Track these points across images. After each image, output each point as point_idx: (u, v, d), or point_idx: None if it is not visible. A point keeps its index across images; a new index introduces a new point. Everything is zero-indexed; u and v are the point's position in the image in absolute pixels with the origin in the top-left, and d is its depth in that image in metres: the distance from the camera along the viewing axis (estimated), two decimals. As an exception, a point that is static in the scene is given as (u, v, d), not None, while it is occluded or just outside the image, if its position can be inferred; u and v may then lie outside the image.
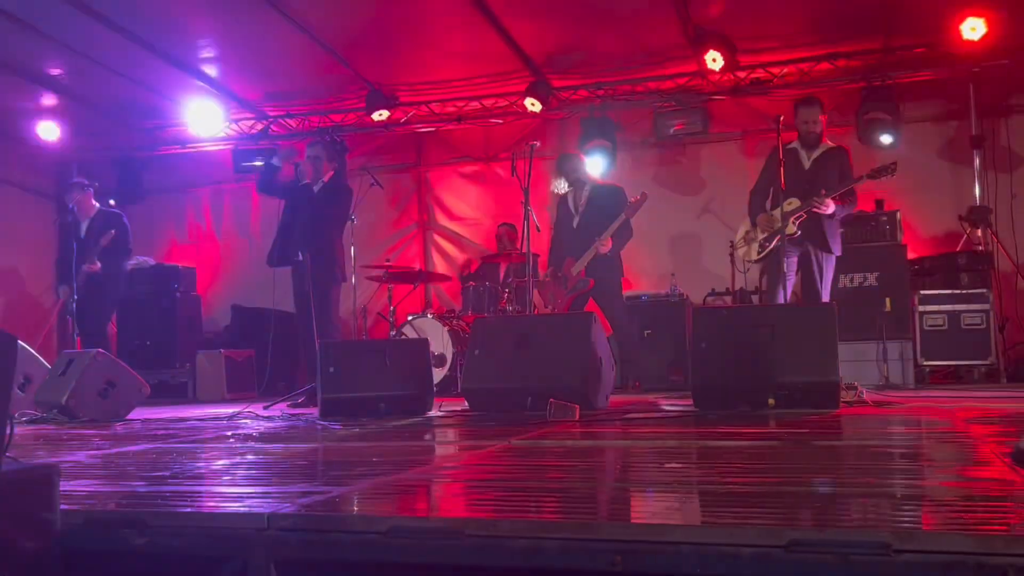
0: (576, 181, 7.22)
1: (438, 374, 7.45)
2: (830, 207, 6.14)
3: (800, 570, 1.62)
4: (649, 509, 2.16)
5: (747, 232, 6.62)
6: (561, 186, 7.38)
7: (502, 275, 8.65)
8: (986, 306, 7.28)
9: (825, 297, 6.28)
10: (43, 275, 9.43)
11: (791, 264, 6.23)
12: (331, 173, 7.20)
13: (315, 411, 5.49)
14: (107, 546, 2.09)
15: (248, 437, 4.18)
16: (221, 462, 3.24)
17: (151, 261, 9.45)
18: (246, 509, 2.13)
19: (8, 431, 1.93)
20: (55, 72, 8.72)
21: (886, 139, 7.95)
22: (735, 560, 1.66)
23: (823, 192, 6.11)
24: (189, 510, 2.22)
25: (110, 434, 4.59)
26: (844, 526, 1.82)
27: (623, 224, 6.95)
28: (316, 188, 7.09)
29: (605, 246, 6.92)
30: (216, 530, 2.02)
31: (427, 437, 4.06)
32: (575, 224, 7.16)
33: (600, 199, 7.14)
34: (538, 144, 6.75)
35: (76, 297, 7.36)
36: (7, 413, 1.92)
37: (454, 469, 2.85)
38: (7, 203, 9.92)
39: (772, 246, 6.32)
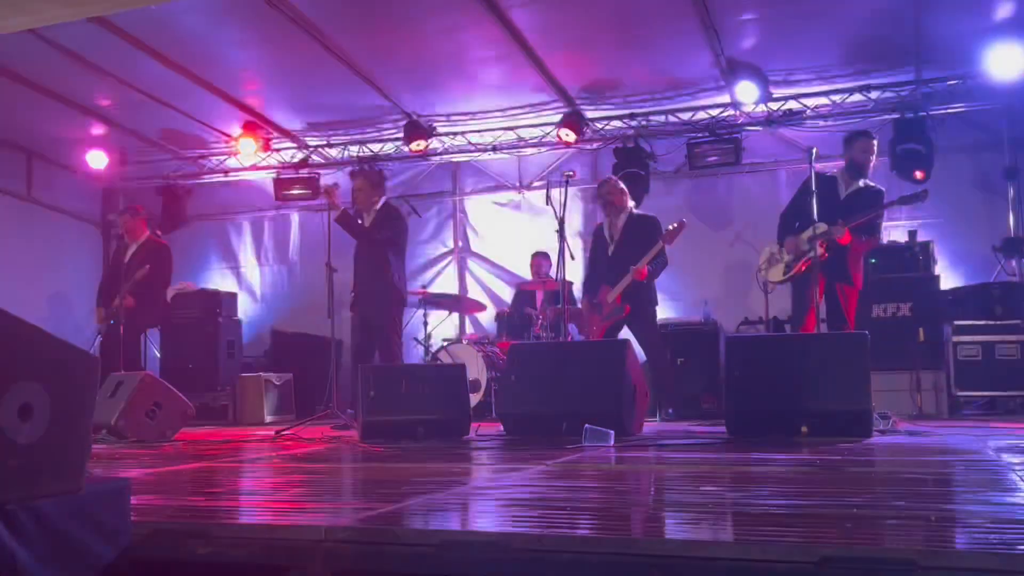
0: (611, 208, 7.29)
1: (473, 399, 7.55)
2: (846, 238, 6.16)
3: (831, 585, 1.71)
4: (684, 527, 2.25)
5: (772, 254, 6.66)
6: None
7: (538, 303, 8.76)
8: (1021, 337, 7.26)
9: (850, 327, 6.31)
10: (87, 300, 9.68)
11: (818, 290, 6.24)
12: (380, 201, 7.38)
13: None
14: (172, 556, 2.22)
15: (294, 457, 4.31)
16: (273, 479, 3.37)
17: (194, 286, 9.68)
18: (304, 522, 2.26)
19: (89, 447, 2.08)
20: (104, 103, 9.03)
21: (919, 175, 7.97)
22: (768, 575, 1.76)
23: (841, 223, 6.13)
24: (250, 522, 2.35)
25: (159, 454, 4.75)
26: (873, 544, 1.90)
27: (659, 252, 7.03)
28: (369, 219, 7.31)
29: (641, 273, 6.99)
30: (276, 541, 2.14)
31: (466, 459, 4.17)
32: (610, 252, 7.24)
33: (636, 228, 7.21)
34: (573, 174, 6.87)
35: (113, 323, 7.58)
36: (89, 429, 2.07)
37: (496, 489, 2.96)
38: (56, 229, 10.23)
39: (796, 269, 6.36)
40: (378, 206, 7.34)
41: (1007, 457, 3.54)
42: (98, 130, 9.53)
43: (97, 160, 9.79)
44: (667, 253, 7.15)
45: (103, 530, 2.05)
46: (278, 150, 10.09)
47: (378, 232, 7.17)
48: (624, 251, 7.12)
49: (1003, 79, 7.55)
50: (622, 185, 7.41)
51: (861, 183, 6.45)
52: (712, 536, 2.10)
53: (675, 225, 6.99)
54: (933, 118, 8.17)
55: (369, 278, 7.17)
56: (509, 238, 10.06)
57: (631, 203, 7.39)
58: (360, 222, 7.25)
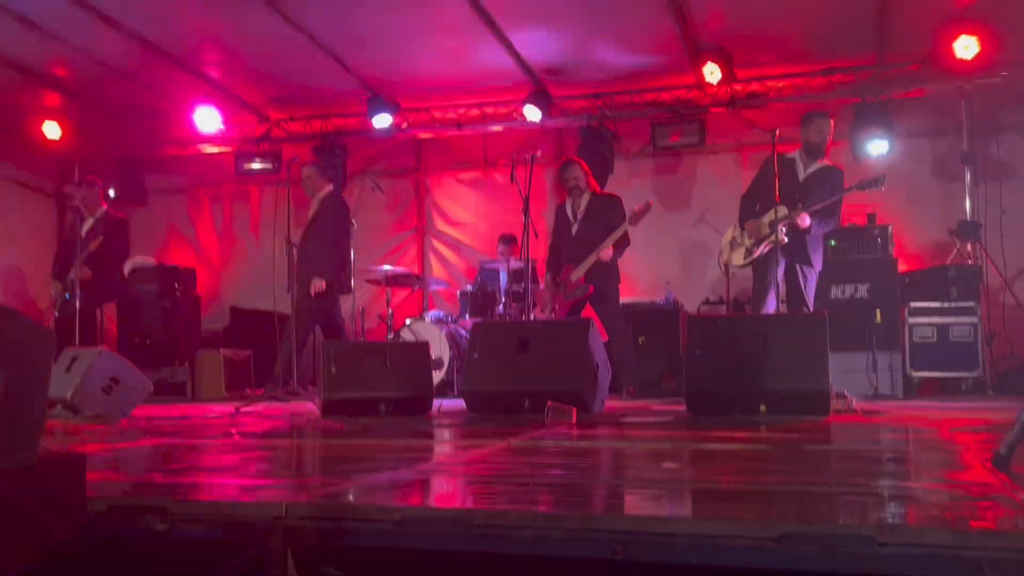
0: (575, 189, 7.31)
1: (435, 377, 7.53)
2: (805, 221, 6.24)
3: (790, 561, 1.73)
4: (647, 503, 2.27)
5: (734, 237, 6.72)
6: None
7: (502, 281, 8.75)
8: (974, 319, 7.40)
9: (809, 308, 6.40)
10: (42, 274, 9.49)
11: (780, 272, 6.32)
12: (327, 190, 7.65)
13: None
14: (129, 532, 2.18)
15: (254, 434, 4.27)
16: (233, 455, 3.34)
17: (152, 261, 9.52)
18: (263, 498, 2.23)
19: (43, 422, 2.03)
20: (60, 72, 8.81)
21: (879, 146, 8.08)
22: (729, 551, 1.77)
23: (800, 208, 6.21)
24: (209, 499, 2.32)
25: (116, 429, 4.69)
26: (831, 520, 1.93)
27: (624, 232, 7.07)
28: (314, 207, 7.57)
29: (606, 253, 7.02)
30: (235, 517, 2.11)
31: (429, 436, 4.16)
32: (574, 232, 7.26)
33: (599, 207, 7.23)
34: (539, 154, 6.86)
35: (68, 297, 7.44)
36: (43, 404, 2.03)
37: (458, 465, 2.96)
38: (9, 202, 10.00)
39: (758, 253, 6.42)
40: (323, 194, 7.52)
41: (960, 436, 3.61)
42: (53, 99, 9.31)
43: (52, 130, 9.57)
44: (629, 233, 7.18)
45: (57, 505, 2.01)
46: (239, 123, 9.93)
47: (321, 222, 7.48)
48: (587, 230, 7.15)
49: (963, 65, 7.64)
50: (586, 167, 7.42)
51: (820, 164, 6.52)
52: (673, 512, 2.11)
53: (642, 206, 7.01)
54: (893, 102, 8.26)
55: (310, 265, 7.34)
56: (473, 216, 10.03)
57: (594, 182, 7.42)
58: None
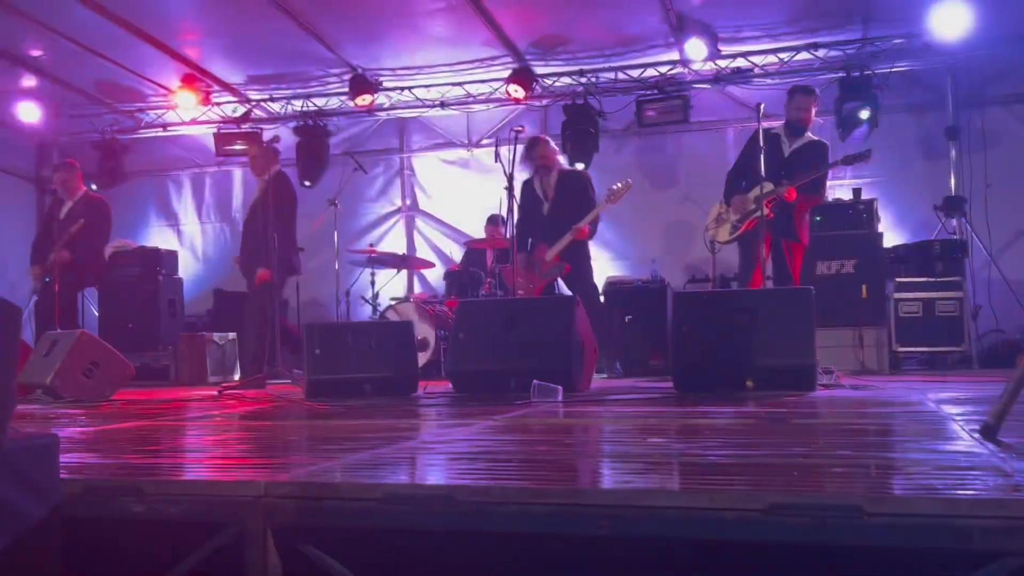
0: (542, 167, 7.20)
1: (421, 358, 7.48)
2: (792, 195, 6.22)
3: (779, 532, 1.70)
4: (633, 477, 2.23)
5: (719, 213, 6.69)
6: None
7: (488, 261, 8.70)
8: (960, 294, 7.42)
9: (795, 283, 6.38)
10: (22, 258, 9.38)
11: (765, 248, 6.30)
12: (275, 169, 7.19)
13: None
14: (105, 514, 2.14)
15: (237, 416, 4.23)
16: (213, 437, 3.29)
17: (133, 244, 9.43)
18: (243, 478, 2.19)
19: (12, 402, 1.98)
20: (35, 53, 8.67)
21: (863, 114, 8.04)
22: (717, 523, 1.74)
23: (786, 183, 6.18)
24: (187, 479, 2.28)
25: (97, 413, 4.63)
26: (819, 491, 1.90)
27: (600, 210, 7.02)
28: (260, 187, 7.22)
29: (582, 232, 6.97)
30: (214, 498, 2.07)
31: (413, 416, 4.12)
32: (545, 210, 7.15)
33: (568, 185, 7.16)
34: (523, 130, 6.79)
35: (48, 280, 7.36)
36: (12, 384, 1.97)
37: (442, 443, 2.92)
38: (-13, 185, 9.88)
39: (744, 229, 6.40)
40: (270, 175, 7.13)
41: (947, 408, 3.60)
42: (29, 81, 9.17)
43: (29, 113, 9.44)
44: (611, 211, 7.14)
45: (30, 487, 1.96)
46: (219, 104, 9.83)
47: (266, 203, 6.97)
48: (560, 208, 7.07)
49: (948, 39, 7.62)
50: (553, 144, 7.36)
51: (805, 138, 6.49)
52: (660, 485, 2.08)
53: (621, 184, 6.96)
54: (878, 77, 8.23)
55: (256, 247, 7.04)
56: (458, 196, 9.97)
57: (561, 159, 7.37)
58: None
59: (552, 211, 7.13)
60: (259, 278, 7.00)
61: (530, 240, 7.16)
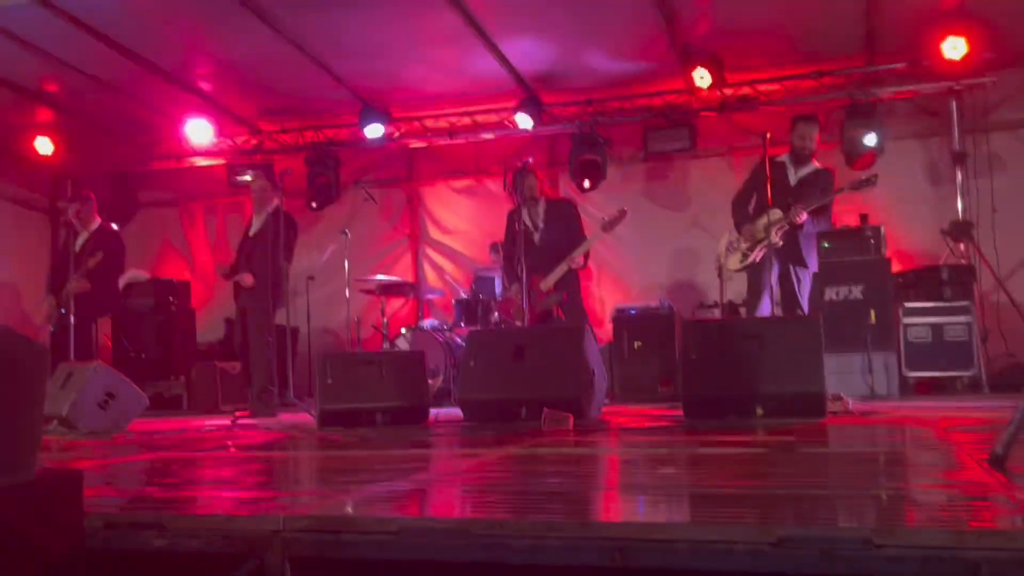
0: (531, 198, 7.20)
1: (432, 386, 7.54)
2: (803, 217, 6.26)
3: (788, 565, 1.73)
4: (645, 509, 2.27)
5: (730, 242, 6.73)
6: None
7: (497, 289, 8.74)
8: (968, 318, 7.41)
9: (804, 310, 6.41)
10: (36, 290, 9.49)
11: (773, 275, 6.33)
12: (275, 203, 7.34)
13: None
14: (127, 547, 2.18)
15: (252, 446, 4.27)
16: (230, 469, 3.33)
17: (146, 275, 9.52)
18: (261, 511, 2.23)
19: (39, 439, 2.03)
20: (51, 88, 8.81)
21: (870, 140, 8.08)
22: (727, 556, 1.77)
23: (799, 207, 6.23)
24: (206, 512, 2.32)
25: (113, 445, 4.67)
26: (829, 523, 1.93)
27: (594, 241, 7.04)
28: (260, 219, 7.59)
29: (578, 261, 6.99)
30: (233, 531, 2.11)
31: (426, 446, 4.16)
32: (536, 240, 7.12)
33: (558, 214, 7.19)
34: (531, 160, 6.85)
35: (63, 311, 7.44)
36: (39, 420, 2.02)
37: (456, 475, 2.96)
38: (2, 218, 9.99)
39: (754, 256, 6.44)
40: (272, 208, 7.38)
41: (956, 436, 3.62)
42: (45, 115, 9.31)
43: (44, 146, 9.58)
44: (619, 238, 7.14)
45: (54, 522, 2.00)
46: (231, 136, 9.93)
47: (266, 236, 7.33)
48: (552, 237, 7.07)
49: (951, 64, 7.67)
50: (540, 174, 7.40)
51: (810, 166, 6.54)
52: (671, 518, 2.11)
53: (616, 213, 6.96)
54: (883, 104, 8.29)
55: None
56: (467, 224, 10.04)
57: (548, 189, 7.41)
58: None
59: (543, 240, 7.11)
60: (244, 282, 7.44)
61: (522, 270, 7.08)
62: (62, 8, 7.12)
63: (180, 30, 7.77)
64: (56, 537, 2.00)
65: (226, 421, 6.13)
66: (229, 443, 4.49)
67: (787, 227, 6.29)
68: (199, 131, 9.39)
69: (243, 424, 5.92)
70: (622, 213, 6.97)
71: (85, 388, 5.54)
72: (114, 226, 8.53)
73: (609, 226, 6.97)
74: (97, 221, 8.13)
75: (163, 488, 2.80)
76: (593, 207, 8.73)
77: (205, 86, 8.99)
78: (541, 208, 7.17)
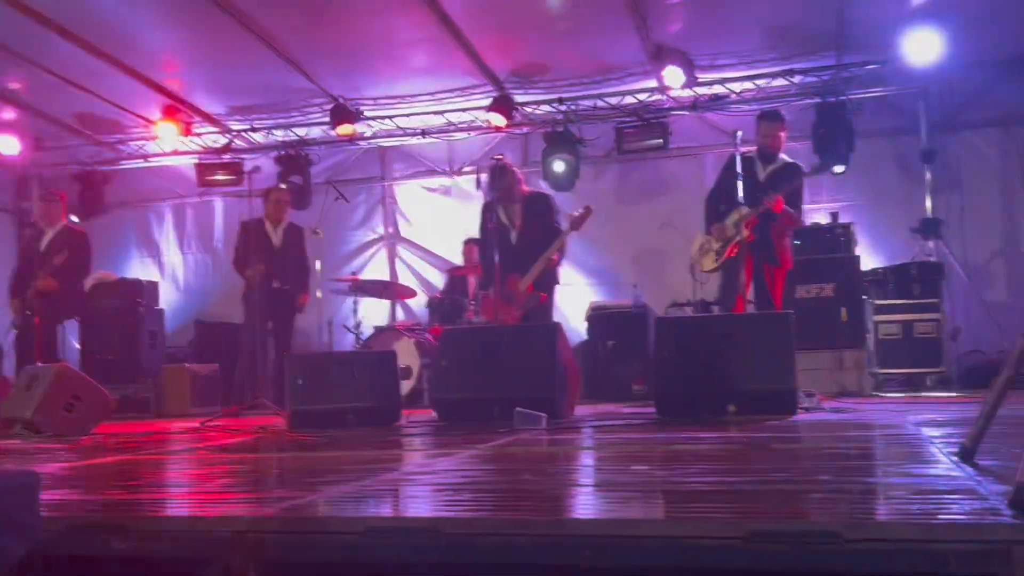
0: (507, 197, 6.94)
1: (404, 386, 7.49)
2: (780, 204, 6.25)
3: (759, 560, 1.72)
4: (617, 507, 2.25)
5: (702, 244, 6.72)
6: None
7: (470, 288, 8.71)
8: (938, 315, 7.49)
9: (776, 307, 6.42)
10: (1, 291, 9.33)
11: (745, 273, 6.30)
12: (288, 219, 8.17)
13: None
14: (89, 552, 2.13)
15: (219, 448, 4.21)
16: (196, 471, 3.28)
17: (114, 276, 9.37)
18: (227, 513, 2.19)
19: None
20: (15, 86, 8.67)
21: (837, 169, 8.13)
22: (699, 552, 1.76)
23: (772, 193, 6.23)
24: (170, 515, 2.27)
25: (78, 448, 4.59)
26: (799, 518, 1.92)
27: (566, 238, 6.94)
28: (280, 232, 8.03)
29: (554, 261, 6.87)
30: (197, 534, 2.07)
31: (396, 446, 4.12)
32: (513, 239, 6.90)
33: (533, 210, 6.95)
34: (503, 158, 6.81)
35: (29, 313, 7.33)
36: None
37: (426, 474, 2.93)
38: (-35, 218, 9.82)
39: (727, 256, 6.45)
40: (286, 223, 7.98)
41: (926, 431, 3.64)
42: (9, 114, 9.17)
43: (9, 146, 9.42)
44: (592, 236, 7.07)
45: (10, 525, 1.95)
46: (200, 135, 9.83)
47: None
48: (529, 235, 6.85)
49: (921, 64, 7.74)
50: (519, 173, 7.22)
51: (778, 162, 6.57)
52: (643, 514, 2.10)
53: (581, 211, 6.83)
54: (853, 102, 8.34)
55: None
56: (440, 224, 9.99)
57: (524, 186, 7.21)
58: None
59: (520, 239, 6.90)
60: (301, 303, 7.99)
61: (499, 269, 6.93)
62: (27, 5, 7.00)
63: (149, 27, 7.67)
64: (11, 541, 1.94)
65: (194, 424, 6.05)
66: (197, 446, 4.43)
67: (758, 221, 6.27)
68: (167, 131, 9.27)
69: (211, 426, 5.84)
70: (587, 211, 6.83)
71: (50, 391, 5.44)
72: (75, 219, 8.39)
73: (576, 224, 6.86)
74: (63, 221, 8.00)
75: (127, 491, 2.75)
76: (567, 206, 8.69)
77: (173, 84, 8.88)
78: (519, 205, 7.00)
